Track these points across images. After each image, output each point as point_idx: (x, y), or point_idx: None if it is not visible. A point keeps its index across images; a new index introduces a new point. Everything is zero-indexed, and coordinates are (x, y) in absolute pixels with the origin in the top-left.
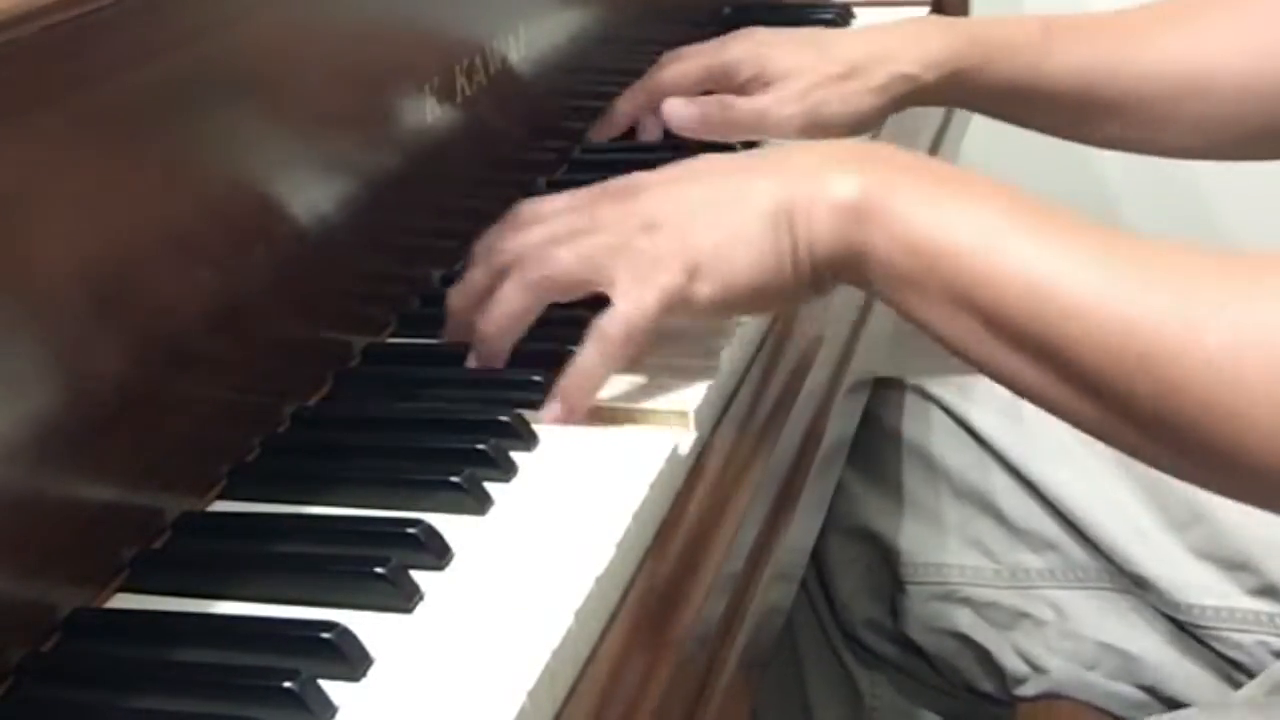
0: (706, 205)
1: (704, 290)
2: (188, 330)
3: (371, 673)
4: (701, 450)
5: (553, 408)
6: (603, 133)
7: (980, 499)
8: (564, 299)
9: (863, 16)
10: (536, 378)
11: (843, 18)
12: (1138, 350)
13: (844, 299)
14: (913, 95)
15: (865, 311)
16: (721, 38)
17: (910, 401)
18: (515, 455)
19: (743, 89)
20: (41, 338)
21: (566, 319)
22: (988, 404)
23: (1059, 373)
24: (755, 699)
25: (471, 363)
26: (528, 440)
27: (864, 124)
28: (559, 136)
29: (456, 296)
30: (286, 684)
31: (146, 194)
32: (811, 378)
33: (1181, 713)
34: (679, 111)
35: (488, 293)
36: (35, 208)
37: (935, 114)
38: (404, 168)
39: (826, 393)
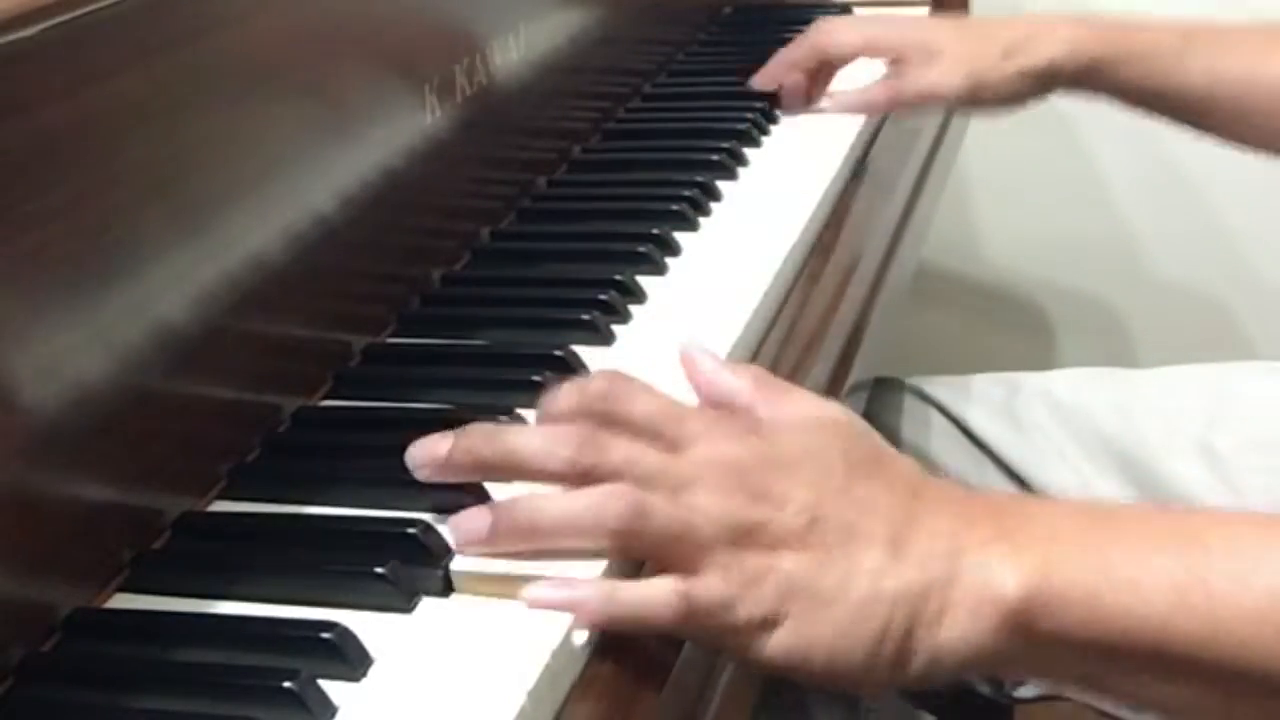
0: (819, 552)
1: (773, 646)
2: (188, 330)
3: (371, 673)
4: None
5: (556, 596)
6: (761, 83)
7: None
8: (624, 557)
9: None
10: (537, 378)
11: None
12: None
13: (844, 297)
14: (1053, 80)
15: (865, 311)
16: (880, 19)
17: (909, 402)
18: None
19: (904, 66)
20: (41, 337)
21: (568, 321)
22: (985, 405)
23: None
24: (755, 700)
25: (463, 534)
26: None
27: (1014, 102)
28: (559, 136)
29: (494, 445)
30: (286, 684)
31: (145, 194)
32: (812, 378)
33: None
34: (845, 98)
35: (534, 467)
36: (35, 207)
37: (935, 114)
38: (404, 168)
39: (826, 393)
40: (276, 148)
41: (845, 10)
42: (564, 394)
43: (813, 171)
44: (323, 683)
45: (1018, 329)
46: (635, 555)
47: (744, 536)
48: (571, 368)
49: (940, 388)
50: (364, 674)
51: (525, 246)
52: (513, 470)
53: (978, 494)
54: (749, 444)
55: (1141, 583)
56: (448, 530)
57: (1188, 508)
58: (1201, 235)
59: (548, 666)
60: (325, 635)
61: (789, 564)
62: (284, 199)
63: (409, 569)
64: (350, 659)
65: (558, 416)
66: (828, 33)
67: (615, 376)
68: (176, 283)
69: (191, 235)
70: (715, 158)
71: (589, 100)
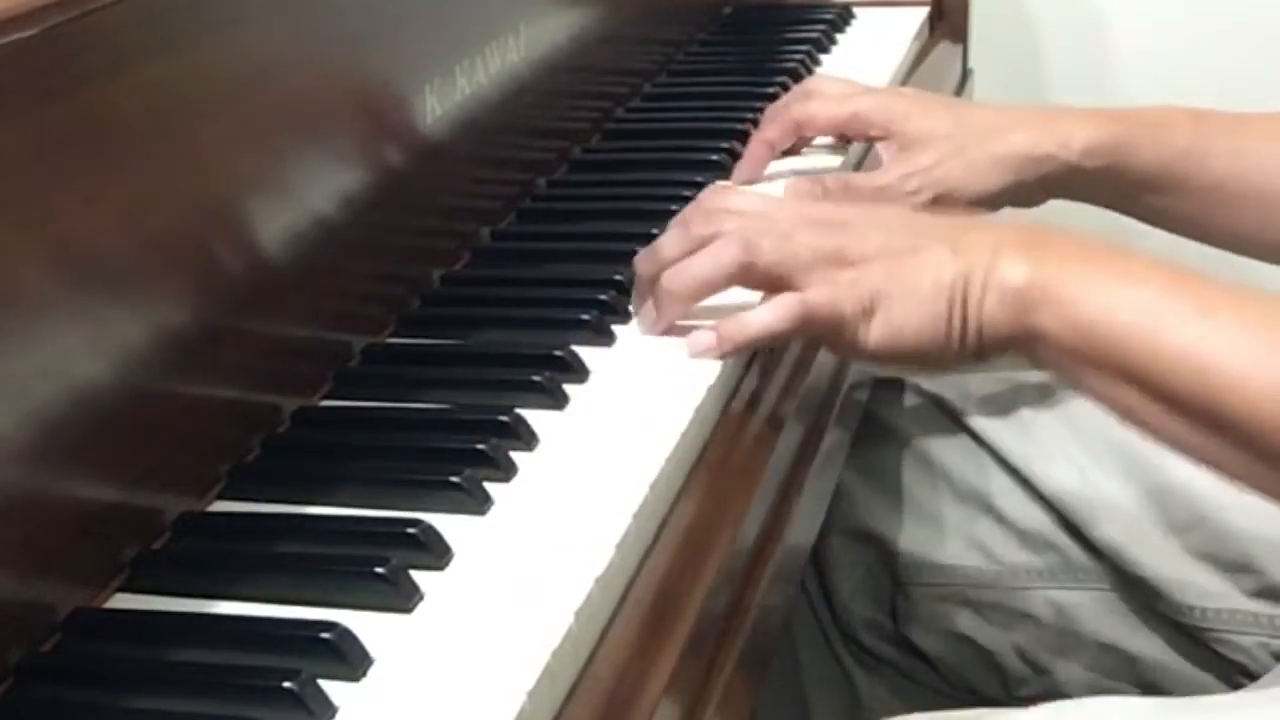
0: (895, 258)
1: (873, 333)
2: (187, 330)
3: (371, 673)
4: (702, 450)
5: (706, 339)
6: (747, 170)
7: (980, 500)
8: (747, 285)
9: (863, 17)
10: (537, 378)
11: (843, 18)
12: None
13: None
14: (1059, 179)
15: None
16: (860, 86)
17: (910, 402)
18: (515, 455)
19: (871, 141)
20: (41, 337)
21: (568, 321)
22: (987, 404)
23: (1224, 438)
24: (755, 700)
25: (645, 322)
26: (528, 440)
27: (990, 200)
28: (559, 136)
29: (646, 262)
30: (286, 684)
31: (146, 194)
32: (811, 377)
33: (1177, 700)
34: (801, 189)
35: (676, 259)
36: (35, 207)
37: None
38: (404, 168)
39: (826, 393)
40: (276, 147)
41: (846, 10)
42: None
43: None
44: (323, 683)
45: None
46: (755, 285)
47: (834, 257)
48: (571, 368)
49: (941, 387)
50: (364, 674)
51: (525, 246)
52: (656, 274)
53: (1026, 221)
54: (829, 203)
55: (1118, 306)
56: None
57: (1204, 276)
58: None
59: (548, 666)
60: (325, 635)
61: (873, 269)
62: (284, 199)
63: (409, 569)
64: (350, 659)
65: (678, 222)
66: (809, 115)
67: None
68: (177, 282)
69: (192, 235)
70: (715, 158)
71: (589, 100)
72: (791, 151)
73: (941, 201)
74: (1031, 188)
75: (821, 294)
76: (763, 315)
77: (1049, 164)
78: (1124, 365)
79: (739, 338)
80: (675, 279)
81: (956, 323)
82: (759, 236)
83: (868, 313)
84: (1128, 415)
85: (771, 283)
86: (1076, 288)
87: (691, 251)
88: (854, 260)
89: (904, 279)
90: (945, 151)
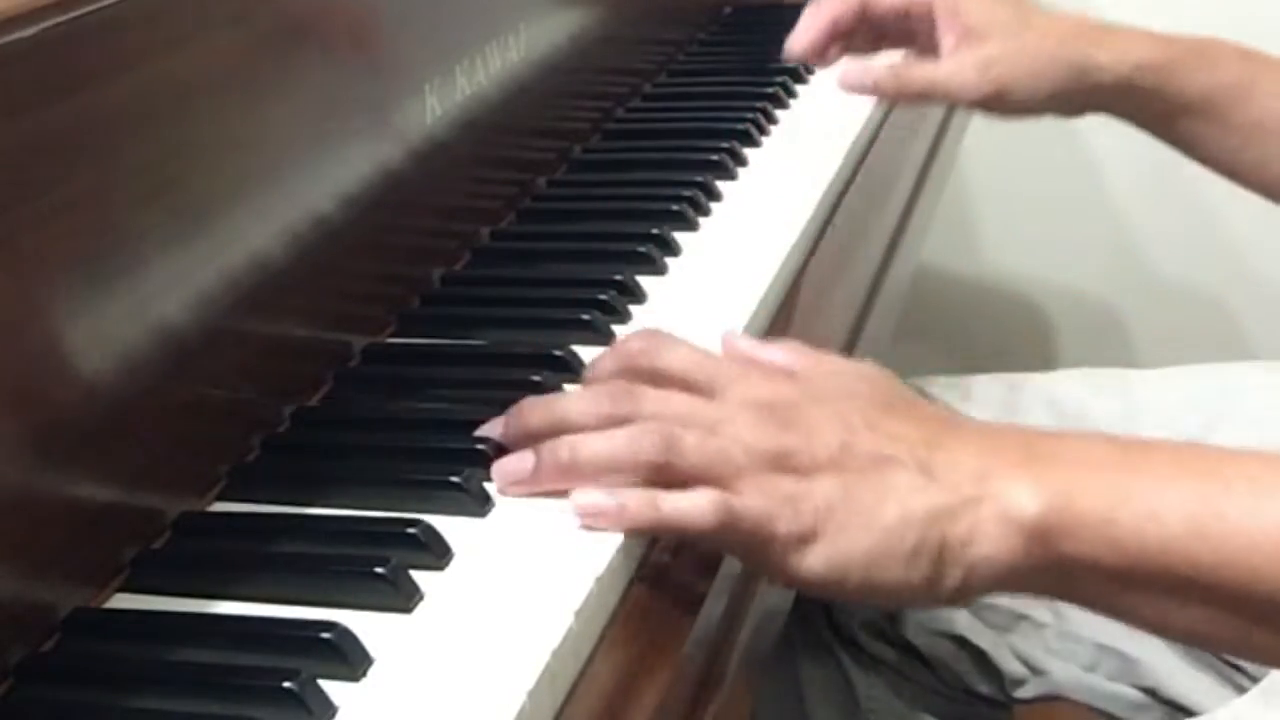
0: (853, 474)
1: (811, 561)
2: (188, 330)
3: (371, 673)
4: None
5: (604, 504)
6: (805, 42)
7: None
8: (663, 485)
9: None
10: (537, 378)
11: None
12: None
13: (844, 297)
14: (1108, 91)
15: (865, 312)
16: None
17: None
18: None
19: (933, 24)
20: (42, 336)
21: (568, 321)
22: (986, 404)
23: None
24: (754, 700)
25: (508, 476)
26: None
27: (1039, 104)
28: (559, 136)
29: (539, 413)
30: (286, 684)
31: (145, 194)
32: None
33: None
34: (850, 78)
35: (578, 427)
36: (35, 207)
37: (935, 114)
38: (404, 168)
39: None
40: (276, 147)
41: None
42: (604, 357)
43: (812, 172)
44: (323, 683)
45: (1018, 329)
46: (672, 486)
47: (777, 462)
48: (571, 368)
49: (941, 387)
50: (364, 674)
51: (525, 246)
52: (561, 434)
53: (1008, 425)
54: (780, 385)
55: (1159, 510)
56: (493, 474)
57: (1211, 445)
58: (1201, 235)
59: (548, 667)
60: (325, 635)
61: (823, 486)
62: (284, 199)
63: (409, 569)
64: (350, 659)
65: (599, 378)
66: None
67: (651, 333)
68: (176, 283)
69: (191, 235)
70: (715, 158)
71: (589, 100)
72: None
73: (995, 100)
74: (1080, 96)
75: (753, 503)
76: (679, 505)
77: (1101, 74)
78: (1186, 578)
79: (641, 519)
80: (572, 453)
81: (926, 562)
82: (685, 429)
83: (807, 537)
84: (1202, 635)
85: (697, 483)
86: (1101, 501)
87: (600, 427)
88: (800, 468)
89: (861, 502)
90: (1007, 45)
